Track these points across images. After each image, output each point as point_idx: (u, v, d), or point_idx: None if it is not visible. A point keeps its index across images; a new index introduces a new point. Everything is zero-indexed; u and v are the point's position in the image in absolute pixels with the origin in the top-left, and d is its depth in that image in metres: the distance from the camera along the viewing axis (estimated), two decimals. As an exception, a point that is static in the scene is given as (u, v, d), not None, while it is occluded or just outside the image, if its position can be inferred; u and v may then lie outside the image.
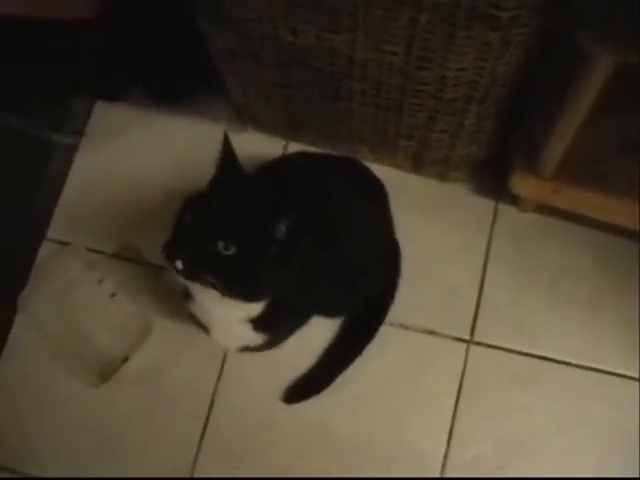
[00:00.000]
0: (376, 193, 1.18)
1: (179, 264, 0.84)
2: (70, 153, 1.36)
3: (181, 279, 0.88)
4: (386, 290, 1.22)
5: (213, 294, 0.89)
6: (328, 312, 1.20)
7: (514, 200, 1.27)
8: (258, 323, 0.95)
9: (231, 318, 0.95)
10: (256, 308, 0.93)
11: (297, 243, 0.88)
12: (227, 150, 0.91)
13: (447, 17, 0.83)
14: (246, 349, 1.05)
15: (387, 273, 1.22)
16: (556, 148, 1.05)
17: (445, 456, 1.19)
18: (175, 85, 1.32)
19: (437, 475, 1.18)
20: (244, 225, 0.86)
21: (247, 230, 0.85)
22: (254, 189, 0.94)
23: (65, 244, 1.31)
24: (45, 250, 1.31)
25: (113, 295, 1.27)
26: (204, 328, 1.04)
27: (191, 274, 0.86)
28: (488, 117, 1.06)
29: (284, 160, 1.24)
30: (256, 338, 1.00)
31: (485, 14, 0.82)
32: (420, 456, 1.19)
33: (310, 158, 1.21)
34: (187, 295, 0.99)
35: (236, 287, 0.88)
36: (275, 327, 0.99)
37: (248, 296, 0.90)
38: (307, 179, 1.08)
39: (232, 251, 0.84)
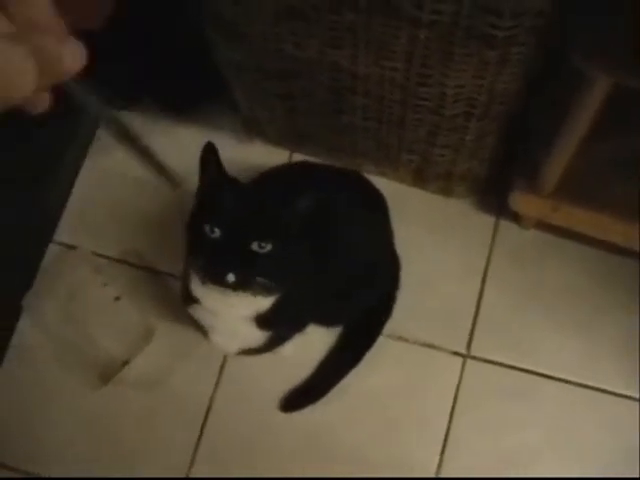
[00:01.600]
0: (377, 206, 1.19)
1: (231, 277, 0.85)
2: (80, 156, 1.38)
3: (208, 292, 0.92)
4: (385, 302, 1.23)
5: (223, 296, 0.90)
6: (327, 321, 1.21)
7: (515, 217, 1.28)
8: (263, 320, 0.97)
9: (239, 317, 0.96)
10: (266, 303, 0.94)
11: (312, 224, 0.90)
12: (216, 158, 0.93)
13: (445, 34, 0.85)
14: (245, 352, 1.06)
15: (386, 285, 1.23)
16: (555, 166, 1.06)
17: (438, 467, 1.19)
18: (184, 95, 1.34)
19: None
20: (268, 219, 0.88)
21: (271, 222, 0.88)
22: (261, 187, 0.98)
23: (71, 247, 1.33)
24: (52, 252, 1.33)
25: (117, 299, 1.29)
26: (204, 332, 1.05)
27: (243, 283, 0.87)
28: (489, 134, 1.08)
29: (287, 167, 1.26)
30: (259, 337, 1.00)
31: (483, 33, 0.83)
32: (413, 467, 1.20)
33: (313, 168, 1.22)
34: (189, 300, 0.99)
35: (284, 279, 0.91)
36: (278, 324, 1.00)
37: (291, 284, 0.93)
38: (310, 184, 1.10)
39: (269, 247, 0.86)
